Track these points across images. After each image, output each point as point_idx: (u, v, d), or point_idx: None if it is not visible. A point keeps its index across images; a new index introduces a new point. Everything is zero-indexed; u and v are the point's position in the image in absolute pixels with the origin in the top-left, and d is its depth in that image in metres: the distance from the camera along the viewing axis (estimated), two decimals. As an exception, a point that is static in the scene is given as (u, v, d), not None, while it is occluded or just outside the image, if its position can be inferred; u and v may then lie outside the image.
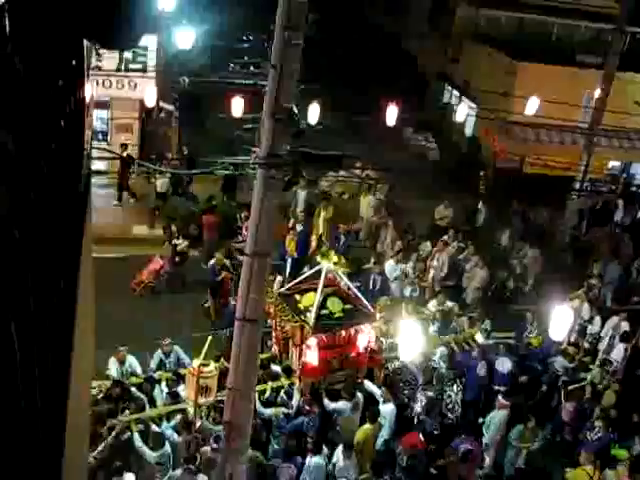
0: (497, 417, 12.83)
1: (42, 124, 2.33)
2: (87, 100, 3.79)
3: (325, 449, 11.37)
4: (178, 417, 11.24)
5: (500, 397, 12.92)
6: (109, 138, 22.21)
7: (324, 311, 12.60)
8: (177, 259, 17.61)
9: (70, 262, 3.10)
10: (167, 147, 22.72)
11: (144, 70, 20.48)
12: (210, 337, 11.25)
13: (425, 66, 32.90)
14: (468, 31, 29.82)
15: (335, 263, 13.15)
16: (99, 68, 17.97)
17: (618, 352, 15.34)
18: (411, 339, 9.51)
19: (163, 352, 12.90)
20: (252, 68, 27.82)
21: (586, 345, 15.62)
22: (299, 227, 18.79)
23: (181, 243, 17.74)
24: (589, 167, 21.87)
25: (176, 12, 22.51)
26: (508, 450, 12.56)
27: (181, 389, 11.65)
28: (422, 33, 33.00)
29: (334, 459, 11.27)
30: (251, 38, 32.26)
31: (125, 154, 18.47)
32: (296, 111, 7.56)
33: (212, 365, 10.51)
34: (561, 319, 10.19)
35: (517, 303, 17.97)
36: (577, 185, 21.88)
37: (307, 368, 12.12)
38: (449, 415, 13.39)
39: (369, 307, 13.15)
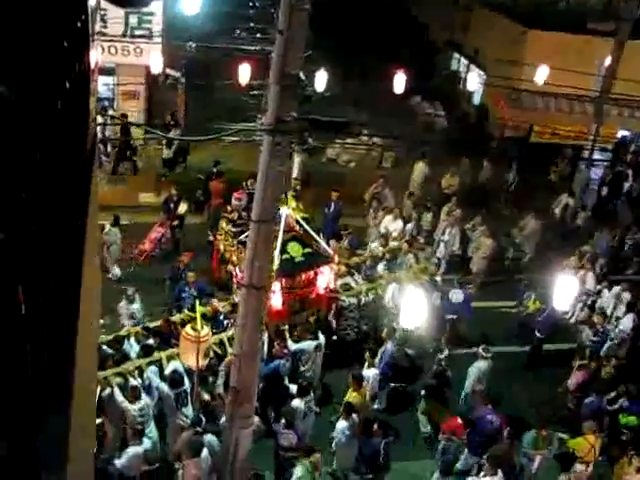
0: (476, 367, 12.97)
1: (48, 84, 2.31)
2: (92, 65, 3.76)
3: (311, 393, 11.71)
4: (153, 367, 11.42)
5: (481, 349, 13.05)
6: (115, 105, 22.11)
7: (285, 255, 13.14)
8: (175, 223, 17.63)
9: (76, 226, 3.10)
10: (174, 114, 22.57)
11: (150, 36, 20.30)
12: (197, 302, 11.78)
13: (434, 33, 32.53)
14: (478, -2, 29.42)
15: (294, 208, 13.68)
16: (104, 34, 17.85)
17: (627, 322, 15.36)
18: (414, 306, 9.53)
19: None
20: (259, 34, 27.53)
21: (595, 319, 15.66)
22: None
23: (181, 207, 17.71)
24: (598, 136, 21.67)
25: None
26: (519, 457, 11.88)
27: (151, 342, 12.00)
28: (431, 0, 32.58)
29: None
30: (257, 4, 31.91)
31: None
32: (303, 78, 7.51)
33: (206, 329, 10.73)
34: (565, 288, 10.18)
35: (518, 273, 18.02)
36: (586, 154, 21.70)
37: (272, 312, 12.40)
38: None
39: (327, 249, 13.87)
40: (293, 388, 11.92)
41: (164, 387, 11.25)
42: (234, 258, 13.87)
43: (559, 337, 15.79)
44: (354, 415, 11.32)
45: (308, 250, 13.57)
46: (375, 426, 11.01)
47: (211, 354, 11.72)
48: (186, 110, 23.13)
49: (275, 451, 11.14)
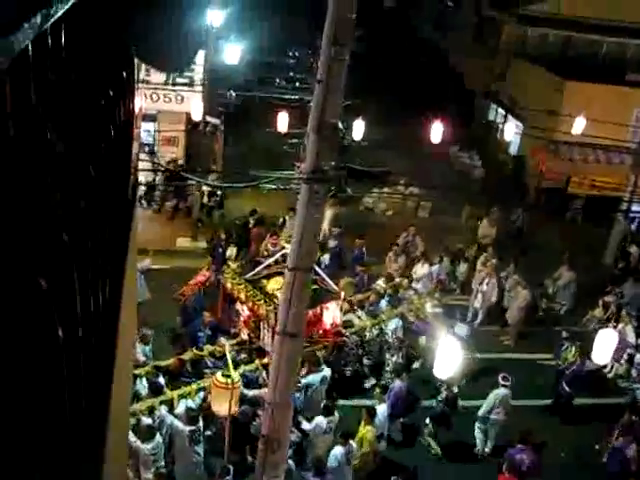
0: (495, 393, 13.10)
1: (93, 132, 2.36)
2: (136, 112, 3.84)
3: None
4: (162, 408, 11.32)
5: (500, 377, 13.16)
6: (155, 150, 22.51)
7: None
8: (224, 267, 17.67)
9: (116, 268, 3.13)
10: (212, 160, 22.90)
11: (191, 84, 20.75)
12: (228, 346, 12.00)
13: (472, 83, 32.75)
14: (515, 49, 29.62)
15: None
16: (147, 82, 18.25)
17: None
18: (448, 358, 9.43)
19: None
20: (298, 83, 27.99)
21: (634, 373, 15.31)
22: (332, 243, 18.80)
23: (229, 251, 17.78)
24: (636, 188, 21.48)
25: (224, 27, 22.81)
26: None
27: (160, 380, 11.96)
28: (469, 49, 32.89)
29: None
30: (297, 54, 32.50)
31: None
32: (341, 126, 7.57)
33: (236, 374, 10.72)
34: (605, 342, 9.99)
35: (553, 324, 17.79)
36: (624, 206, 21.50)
37: None
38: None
39: (333, 286, 14.09)
40: (305, 423, 12.00)
41: (179, 424, 11.07)
42: (242, 296, 14.01)
43: (596, 391, 15.47)
44: (351, 442, 11.42)
45: (314, 287, 13.81)
46: None
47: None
48: (224, 157, 23.45)
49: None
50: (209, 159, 22.83)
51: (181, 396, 11.59)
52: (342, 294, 14.38)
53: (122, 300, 3.29)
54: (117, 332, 3.01)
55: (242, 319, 13.99)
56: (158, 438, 10.75)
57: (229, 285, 14.57)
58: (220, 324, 14.53)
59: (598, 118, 17.93)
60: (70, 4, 1.86)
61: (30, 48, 1.54)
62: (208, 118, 22.65)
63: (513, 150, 27.93)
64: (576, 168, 23.87)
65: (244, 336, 13.77)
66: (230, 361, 10.86)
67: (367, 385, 14.44)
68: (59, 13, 1.77)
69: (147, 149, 21.92)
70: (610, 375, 16.32)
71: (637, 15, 25.56)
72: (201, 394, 11.75)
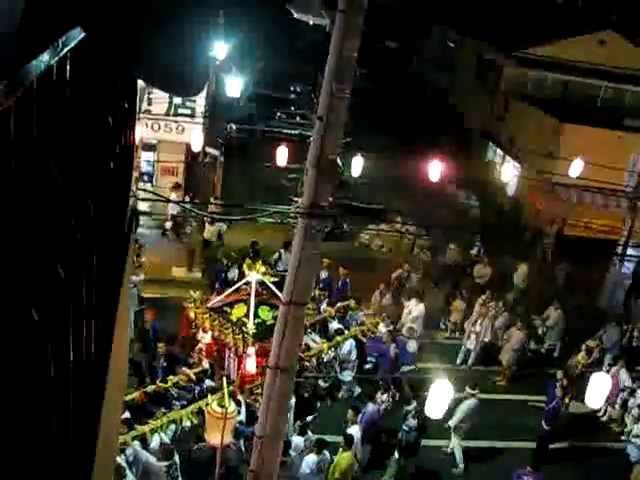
0: (466, 404, 13.61)
1: (92, 161, 2.38)
2: (136, 142, 3.87)
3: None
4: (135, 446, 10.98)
5: (468, 387, 13.69)
6: (154, 180, 22.57)
7: (257, 320, 13.70)
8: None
9: (110, 298, 3.13)
10: (211, 192, 22.96)
11: (192, 115, 20.88)
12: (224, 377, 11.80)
13: (471, 122, 33.01)
14: (514, 90, 29.90)
15: (264, 273, 14.09)
16: (149, 111, 18.37)
17: None
18: (440, 399, 9.41)
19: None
20: (298, 118, 28.18)
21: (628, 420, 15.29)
22: (323, 274, 18.75)
23: (230, 273, 17.73)
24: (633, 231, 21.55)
25: (226, 60, 23.02)
26: None
27: (127, 415, 11.53)
28: (469, 89, 33.19)
29: None
30: (298, 89, 32.76)
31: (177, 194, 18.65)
32: (340, 163, 7.61)
33: (232, 405, 10.59)
34: (598, 386, 9.96)
35: (543, 365, 17.80)
36: (619, 249, 21.52)
37: (246, 375, 12.85)
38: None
39: None
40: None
41: (152, 460, 10.73)
42: (206, 324, 13.96)
43: (587, 435, 15.40)
44: (326, 452, 11.65)
45: (277, 313, 13.92)
46: None
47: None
48: (223, 189, 23.50)
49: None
50: (208, 190, 22.88)
51: (153, 430, 11.31)
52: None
53: (115, 330, 3.28)
54: (108, 367, 3.00)
55: (204, 347, 13.92)
56: (130, 476, 10.25)
57: (192, 314, 14.52)
58: (181, 354, 14.43)
59: (595, 162, 18.05)
60: (77, 41, 1.89)
61: (35, 85, 1.56)
62: (208, 149, 22.76)
63: (510, 191, 28.03)
64: (573, 210, 23.97)
65: (205, 365, 13.67)
66: (226, 391, 10.74)
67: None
68: (65, 50, 1.79)
69: (146, 178, 22.01)
70: (604, 419, 16.27)
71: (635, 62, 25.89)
72: (172, 427, 11.58)
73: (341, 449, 11.98)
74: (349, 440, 12.07)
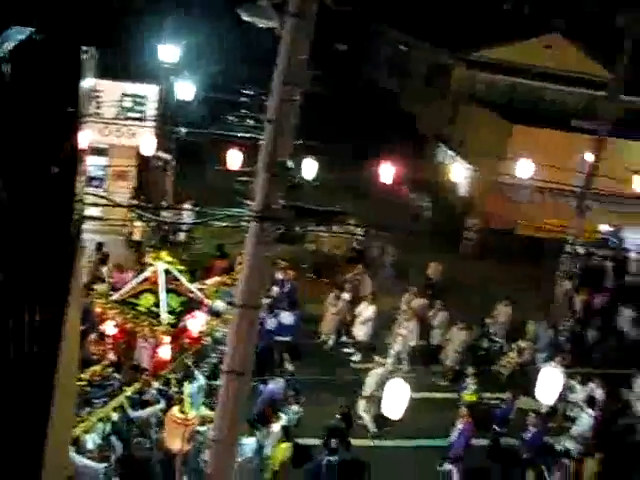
0: (375, 373, 14.49)
1: (34, 168, 2.34)
2: (81, 147, 3.82)
3: None
4: None
5: (377, 357, 14.91)
6: (105, 185, 22.26)
7: (169, 308, 13.79)
8: None
9: (58, 304, 3.08)
10: (162, 195, 22.75)
11: (143, 119, 20.66)
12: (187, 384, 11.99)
13: (423, 125, 33.30)
14: (464, 92, 30.26)
15: (170, 262, 14.28)
16: (98, 114, 18.11)
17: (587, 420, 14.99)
18: (397, 399, 9.47)
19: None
20: (250, 121, 28.05)
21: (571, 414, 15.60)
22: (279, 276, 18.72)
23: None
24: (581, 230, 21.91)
25: (177, 63, 22.84)
26: None
27: None
28: (420, 92, 33.47)
29: None
30: (251, 92, 32.61)
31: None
32: (291, 165, 7.61)
33: (192, 412, 10.56)
34: (548, 381, 10.10)
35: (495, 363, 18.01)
36: (568, 247, 21.83)
37: (159, 363, 13.02)
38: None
39: (200, 295, 14.45)
40: None
41: (88, 462, 10.42)
42: (117, 318, 13.81)
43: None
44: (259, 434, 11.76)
45: (184, 299, 14.24)
46: None
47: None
48: (174, 193, 23.29)
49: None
50: (159, 194, 22.66)
51: (84, 432, 10.93)
52: (206, 302, 14.52)
53: (64, 329, 3.23)
54: (57, 366, 2.96)
55: (109, 340, 13.74)
56: None
57: (98, 309, 14.32)
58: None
59: (544, 162, 18.35)
60: (14, 44, 1.86)
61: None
62: (159, 153, 22.52)
63: (462, 192, 28.36)
64: (523, 210, 24.34)
65: (112, 357, 13.47)
66: (187, 398, 10.67)
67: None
68: (1, 54, 1.76)
69: (96, 183, 21.68)
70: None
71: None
72: (100, 425, 11.24)
73: (277, 441, 12.07)
74: (288, 433, 12.25)
